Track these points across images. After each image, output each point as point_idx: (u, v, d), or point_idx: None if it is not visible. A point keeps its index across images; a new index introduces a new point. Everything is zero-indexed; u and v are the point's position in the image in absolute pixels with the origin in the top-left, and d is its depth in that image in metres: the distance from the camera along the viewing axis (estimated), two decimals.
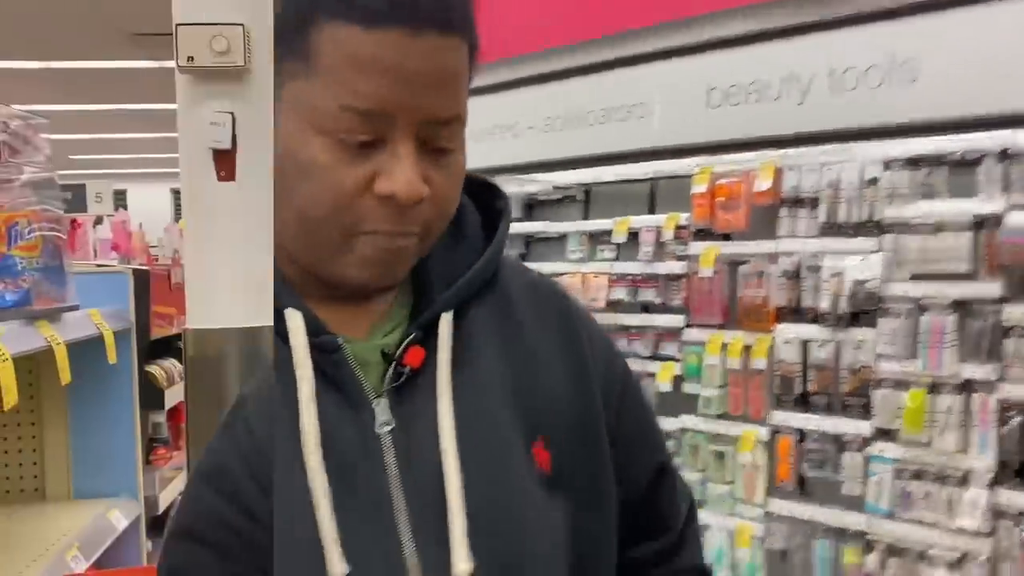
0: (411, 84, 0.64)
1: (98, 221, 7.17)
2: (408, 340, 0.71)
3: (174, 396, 2.50)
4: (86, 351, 1.84)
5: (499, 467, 0.71)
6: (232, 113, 2.12)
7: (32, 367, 1.96)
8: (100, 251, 7.40)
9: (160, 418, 2.52)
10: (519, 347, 0.76)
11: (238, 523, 0.70)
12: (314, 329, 0.69)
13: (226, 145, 2.08)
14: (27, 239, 1.44)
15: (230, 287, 2.18)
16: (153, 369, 2.44)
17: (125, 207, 9.36)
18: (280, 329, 0.69)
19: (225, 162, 2.10)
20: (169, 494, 2.49)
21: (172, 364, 2.55)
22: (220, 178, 2.12)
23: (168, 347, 2.58)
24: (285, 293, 0.70)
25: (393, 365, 0.71)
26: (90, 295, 1.87)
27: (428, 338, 0.72)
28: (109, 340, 1.79)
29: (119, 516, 1.91)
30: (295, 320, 0.69)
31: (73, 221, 7.01)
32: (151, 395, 2.32)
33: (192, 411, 2.14)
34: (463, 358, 0.72)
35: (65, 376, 1.49)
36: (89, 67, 9.32)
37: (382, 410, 0.70)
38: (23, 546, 1.67)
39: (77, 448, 2.03)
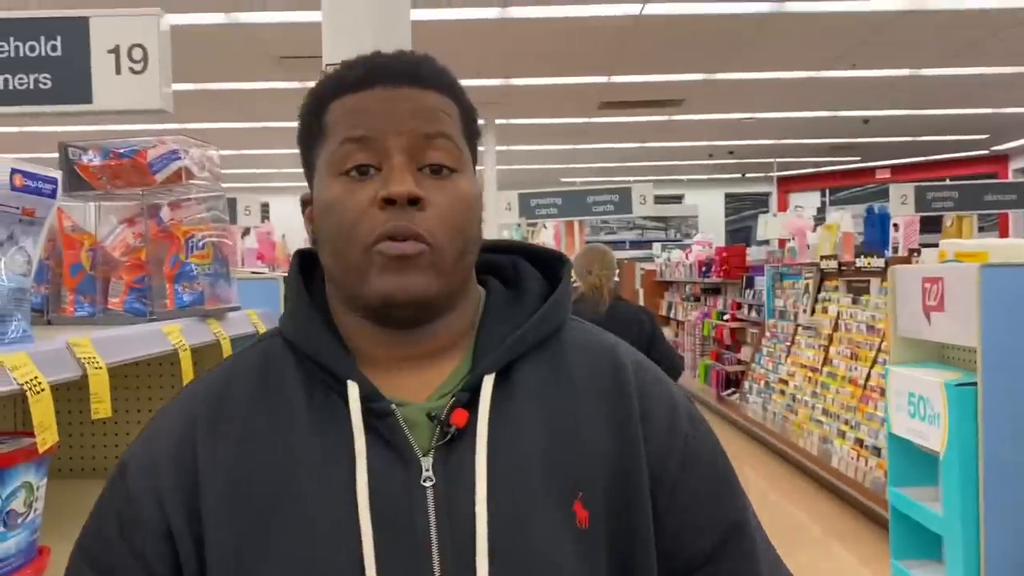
0: (392, 114, 0.79)
1: (245, 232, 7.76)
2: (452, 403, 0.79)
3: None
4: (244, 346, 2.11)
5: (527, 519, 0.76)
6: None
7: (198, 359, 2.25)
8: (247, 259, 8.00)
9: None
10: (564, 407, 0.81)
11: (149, 531, 0.79)
12: (372, 395, 0.79)
13: None
14: (200, 249, 1.70)
15: None
16: None
17: (269, 218, 10.03)
18: (342, 393, 0.79)
19: None
20: None
21: None
22: None
23: None
24: (346, 364, 0.80)
25: (439, 426, 0.78)
26: (247, 298, 2.15)
27: (474, 399, 0.79)
28: None
29: None
30: (353, 391, 0.79)
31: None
32: None
33: None
34: (506, 417, 0.79)
35: None
36: (240, 88, 10.07)
37: (427, 466, 0.77)
38: None
39: None
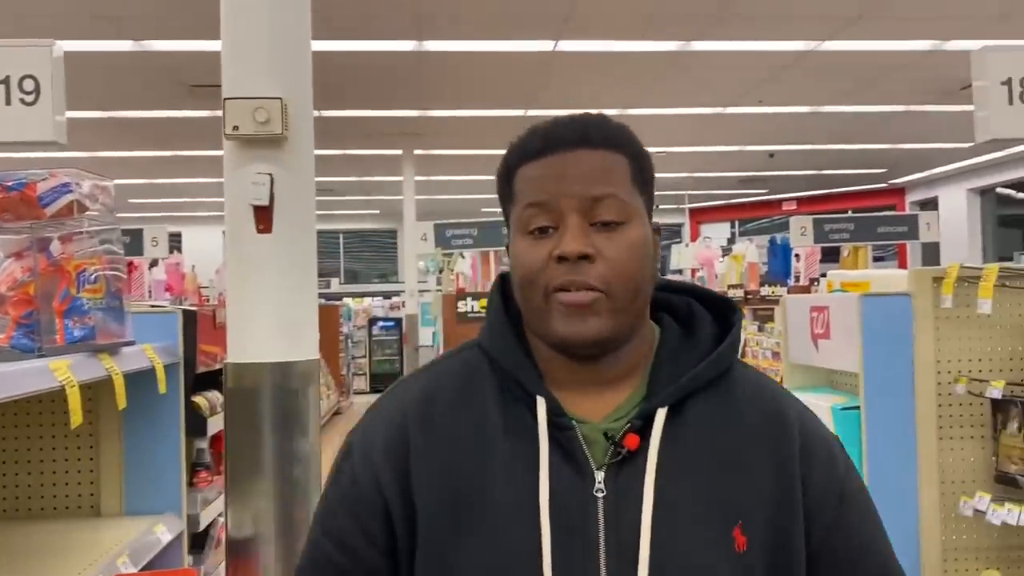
0: (566, 179, 0.90)
1: (153, 263, 7.57)
2: (626, 427, 0.89)
3: (216, 424, 2.71)
4: (140, 381, 2.06)
5: (687, 535, 0.86)
6: (271, 174, 2.43)
7: (92, 395, 2.19)
8: (155, 291, 7.79)
9: (203, 444, 2.74)
10: (730, 443, 0.91)
11: (344, 565, 0.92)
12: (557, 411, 0.90)
13: (264, 202, 2.39)
14: (92, 284, 1.67)
15: (266, 326, 2.43)
16: (198, 399, 2.65)
17: (180, 249, 9.80)
18: (530, 406, 0.91)
19: (263, 217, 2.39)
20: (209, 514, 2.70)
21: (215, 395, 2.77)
22: (259, 231, 2.40)
23: (212, 380, 2.83)
24: (536, 382, 0.92)
25: (613, 446, 0.89)
26: (144, 332, 2.11)
27: (647, 426, 0.90)
28: (160, 372, 2.02)
29: (164, 531, 2.12)
30: (541, 406, 0.90)
31: (130, 263, 7.43)
32: (195, 423, 2.54)
33: (231, 436, 2.36)
34: (675, 444, 0.89)
35: (122, 402, 1.72)
36: (150, 116, 9.85)
37: (600, 479, 0.88)
38: (80, 555, 1.89)
39: (130, 469, 2.26)
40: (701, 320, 0.98)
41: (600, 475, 0.88)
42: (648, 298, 0.94)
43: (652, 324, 0.99)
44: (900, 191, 17.20)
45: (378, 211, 19.60)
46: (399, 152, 12.15)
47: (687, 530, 0.86)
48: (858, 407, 2.23)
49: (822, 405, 2.30)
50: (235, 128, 2.43)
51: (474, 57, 7.76)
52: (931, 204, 15.74)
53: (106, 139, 10.88)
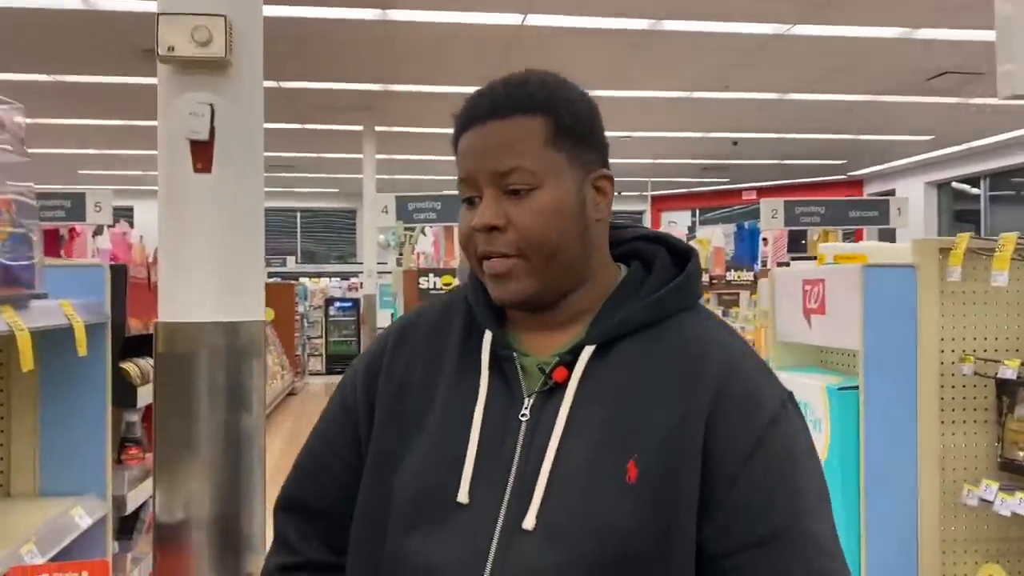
0: (478, 154, 0.99)
1: (98, 231, 7.19)
2: (556, 362, 0.98)
3: (148, 395, 2.42)
4: (57, 342, 1.81)
5: (586, 462, 0.93)
6: (211, 105, 2.10)
7: (3, 357, 1.93)
8: (100, 260, 7.40)
9: (134, 417, 2.47)
10: (644, 382, 0.96)
11: (325, 458, 1.08)
12: (500, 343, 1.01)
13: (203, 136, 2.07)
14: None
15: (204, 281, 2.14)
16: (127, 366, 2.38)
17: (131, 224, 9.34)
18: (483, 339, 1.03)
19: (202, 154, 2.08)
20: (139, 494, 2.42)
21: (148, 362, 2.48)
22: (196, 169, 2.09)
23: (146, 346, 2.53)
24: (489, 319, 1.02)
25: (544, 377, 0.98)
26: (64, 287, 1.85)
27: (576, 362, 0.97)
28: (80, 332, 1.76)
29: (82, 514, 1.87)
30: (487, 337, 1.01)
31: (72, 230, 7.04)
32: (124, 392, 2.27)
33: (160, 408, 2.09)
34: (595, 381, 0.96)
35: (27, 363, 1.46)
36: (100, 81, 9.41)
37: (527, 405, 0.97)
38: None
39: (46, 443, 1.99)
40: (659, 268, 1.03)
41: (529, 402, 0.97)
42: (581, 249, 1.00)
43: (618, 269, 1.06)
44: (858, 183, 17.33)
45: (337, 190, 19.22)
46: (359, 128, 11.85)
47: (586, 457, 0.93)
48: (854, 387, 2.06)
49: (814, 385, 2.13)
50: (170, 49, 2.09)
51: (440, 28, 7.52)
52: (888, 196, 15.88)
53: (53, 105, 10.40)
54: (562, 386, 0.97)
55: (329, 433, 1.10)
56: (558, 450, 0.94)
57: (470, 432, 0.97)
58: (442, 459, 0.97)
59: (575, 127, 0.99)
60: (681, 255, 1.05)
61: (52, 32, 7.67)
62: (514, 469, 0.95)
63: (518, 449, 0.96)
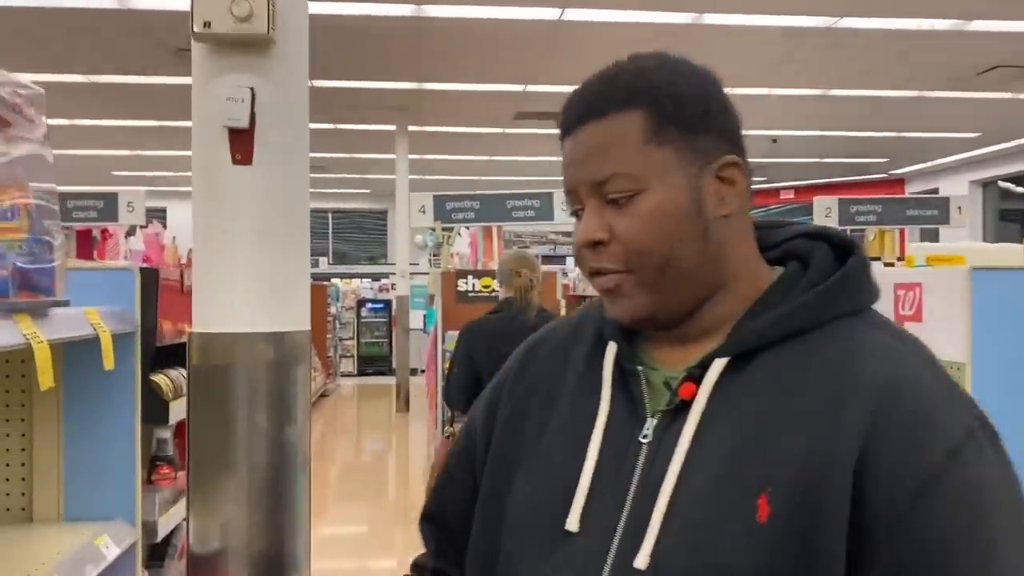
0: (575, 164, 0.91)
1: (130, 232, 7.11)
2: (684, 377, 0.88)
3: (181, 410, 2.25)
4: (82, 355, 1.65)
5: (710, 495, 0.82)
6: (252, 88, 1.90)
7: (25, 370, 1.77)
8: (132, 262, 7.32)
9: (165, 434, 2.29)
10: (784, 403, 0.83)
11: (473, 438, 1.04)
12: (624, 356, 0.93)
13: (243, 124, 1.85)
14: (9, 220, 1.26)
15: (243, 286, 1.94)
16: (158, 379, 2.22)
17: (164, 225, 9.27)
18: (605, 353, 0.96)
19: (241, 143, 1.88)
20: (170, 519, 2.24)
21: (181, 374, 2.32)
22: (235, 161, 1.89)
23: (179, 355, 2.34)
24: (614, 331, 0.95)
25: (671, 394, 0.88)
26: (90, 294, 1.70)
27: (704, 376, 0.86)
28: (106, 343, 1.59)
29: (108, 542, 1.70)
30: (610, 350, 0.94)
31: (104, 231, 6.96)
32: (155, 407, 2.10)
33: (195, 426, 1.90)
34: (726, 399, 0.85)
35: (47, 380, 1.29)
36: (134, 82, 9.37)
37: (650, 425, 0.88)
38: None
39: (69, 465, 1.83)
40: (816, 267, 0.90)
41: (652, 422, 0.89)
42: (702, 254, 0.89)
43: (772, 271, 0.93)
44: (899, 181, 16.91)
45: (368, 191, 19.16)
46: (392, 128, 11.73)
47: (710, 488, 0.82)
48: None
49: None
50: (206, 25, 1.86)
51: (475, 24, 7.36)
52: None
53: (87, 106, 10.39)
54: (689, 404, 0.86)
55: (458, 457, 1.08)
56: (679, 479, 0.84)
57: (587, 454, 0.90)
58: (556, 482, 0.91)
59: (681, 114, 0.88)
60: (844, 250, 0.92)
61: (84, 32, 7.62)
62: (630, 499, 0.86)
63: (636, 475, 0.87)
